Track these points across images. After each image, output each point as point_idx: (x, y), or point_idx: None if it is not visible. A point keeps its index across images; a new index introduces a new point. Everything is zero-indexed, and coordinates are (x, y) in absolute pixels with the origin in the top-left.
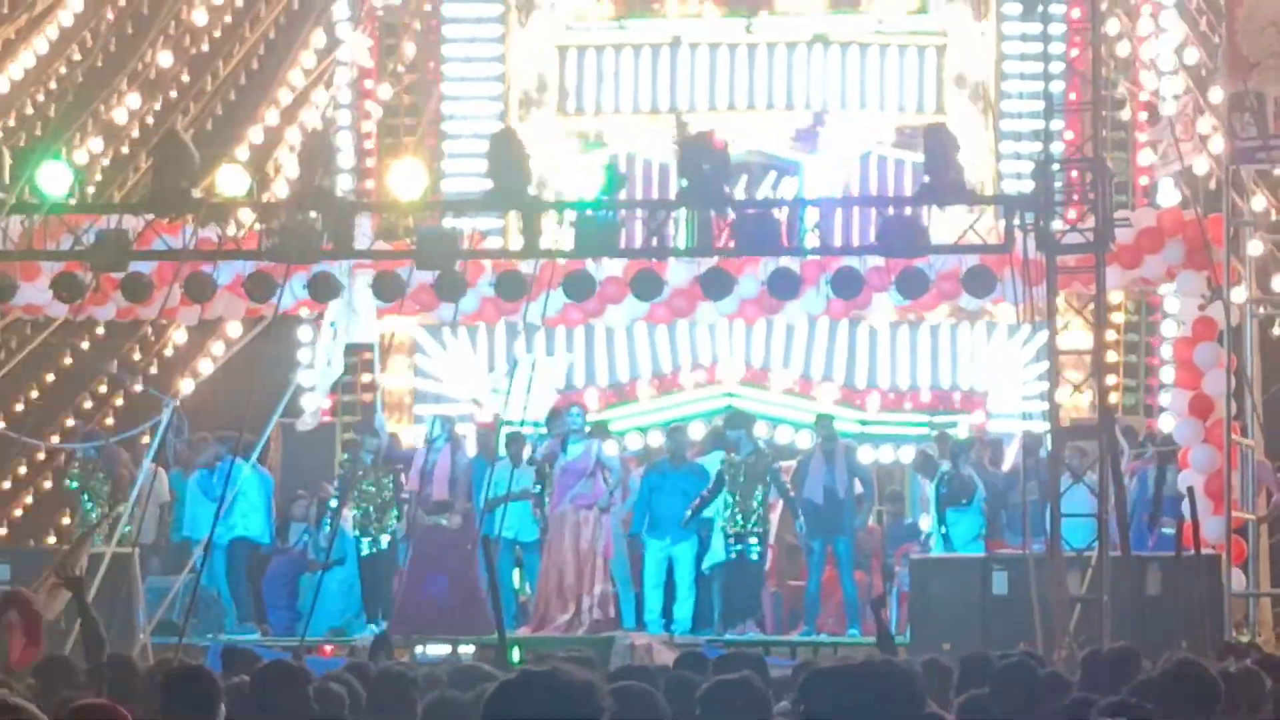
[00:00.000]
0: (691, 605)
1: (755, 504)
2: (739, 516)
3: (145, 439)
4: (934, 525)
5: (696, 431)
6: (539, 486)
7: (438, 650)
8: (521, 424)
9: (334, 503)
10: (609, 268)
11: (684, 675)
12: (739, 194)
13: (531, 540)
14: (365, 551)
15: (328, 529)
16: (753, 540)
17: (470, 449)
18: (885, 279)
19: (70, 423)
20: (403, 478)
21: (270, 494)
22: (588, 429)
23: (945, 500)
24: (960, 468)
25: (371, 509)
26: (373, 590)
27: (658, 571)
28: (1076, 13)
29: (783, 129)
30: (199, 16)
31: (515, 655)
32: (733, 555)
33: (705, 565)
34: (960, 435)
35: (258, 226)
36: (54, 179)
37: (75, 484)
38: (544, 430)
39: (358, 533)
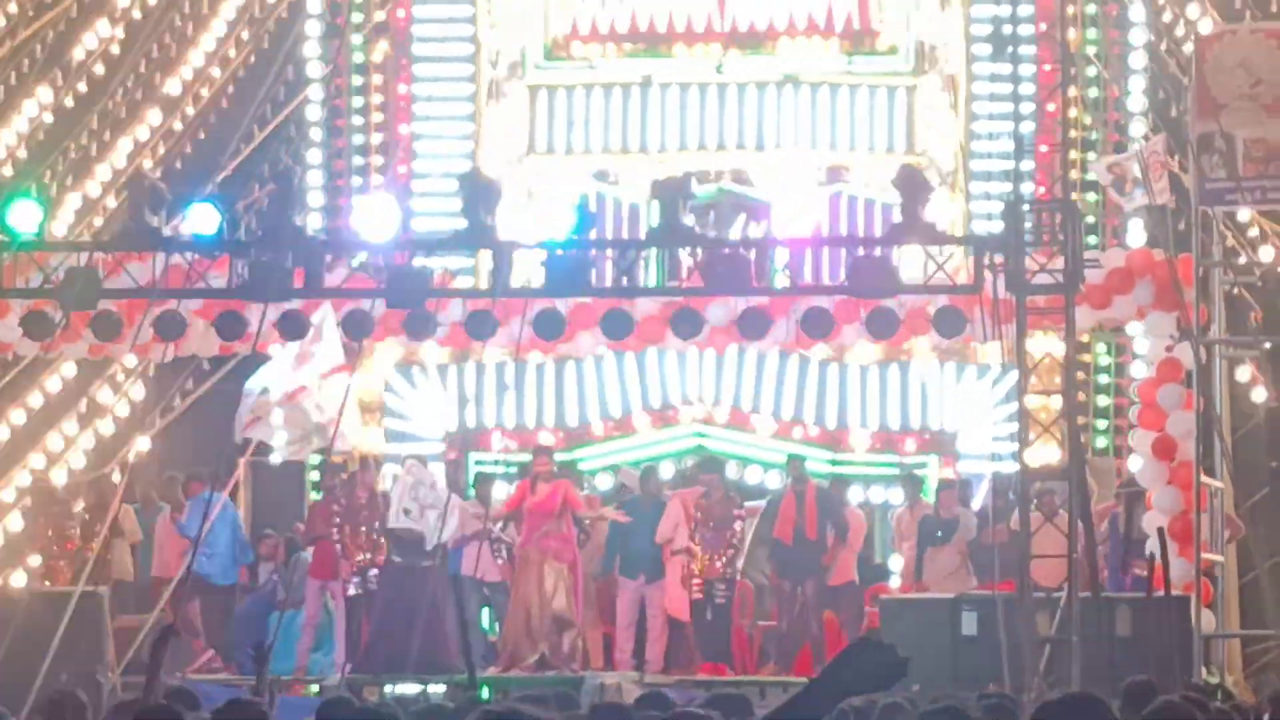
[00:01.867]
0: (664, 645)
1: (724, 548)
2: (708, 560)
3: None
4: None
5: (666, 471)
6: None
7: (407, 689)
8: (495, 463)
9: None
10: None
11: (648, 715)
12: (708, 233)
13: (496, 580)
14: (354, 591)
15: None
16: (721, 585)
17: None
18: (854, 312)
19: (39, 462)
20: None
21: (237, 532)
22: (555, 470)
23: (925, 539)
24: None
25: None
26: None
27: (631, 611)
28: (1046, 54)
29: (753, 168)
30: (169, 55)
31: (485, 694)
32: (696, 597)
33: None
34: (929, 475)
35: (229, 265)
36: (24, 216)
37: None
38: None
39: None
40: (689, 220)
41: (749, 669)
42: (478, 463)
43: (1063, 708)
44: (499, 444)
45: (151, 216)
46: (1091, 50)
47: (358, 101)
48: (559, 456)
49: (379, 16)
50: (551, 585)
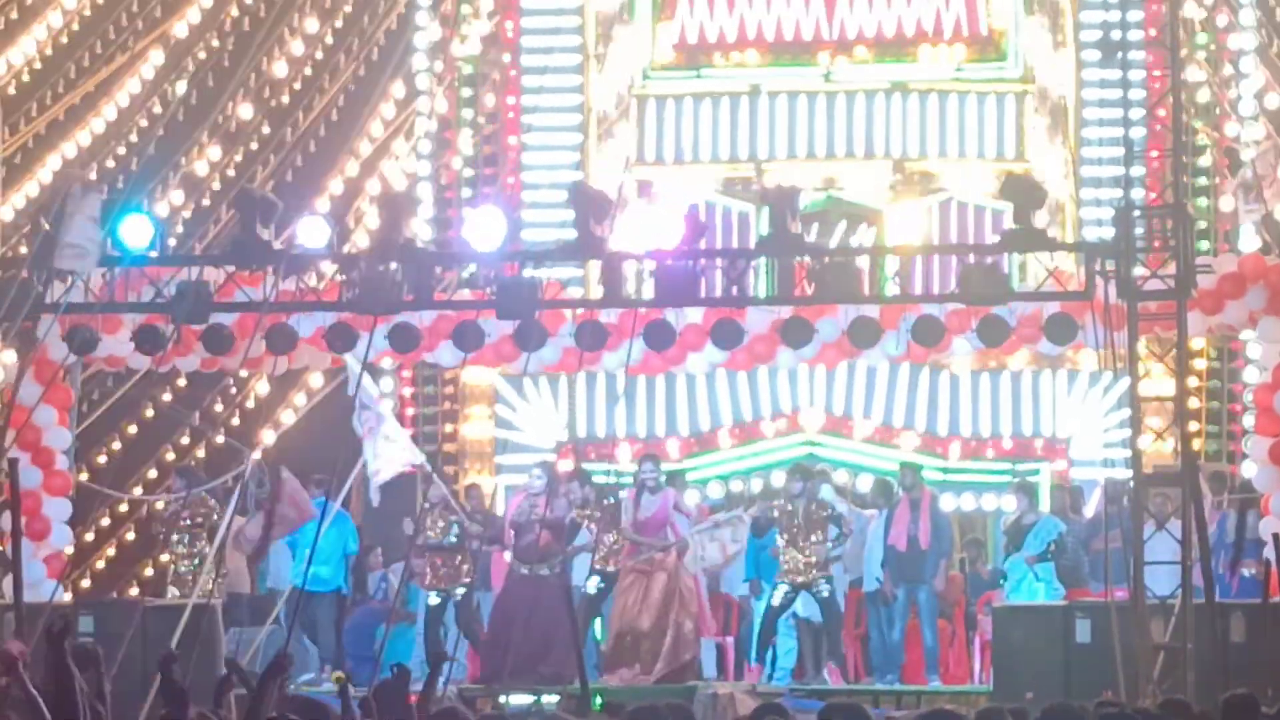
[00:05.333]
0: (795, 654)
1: (813, 552)
2: (802, 565)
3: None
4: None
5: (778, 480)
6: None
7: (521, 700)
8: (608, 474)
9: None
10: (690, 315)
11: None
12: (817, 241)
13: (594, 592)
14: (435, 601)
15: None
16: (822, 583)
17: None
18: (966, 322)
19: (152, 474)
20: (466, 524)
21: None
22: (663, 479)
23: (1008, 547)
24: (1024, 515)
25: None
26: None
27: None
28: (1156, 60)
29: (862, 177)
30: (279, 68)
31: (598, 704)
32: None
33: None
34: (1042, 483)
35: (339, 278)
36: (136, 231)
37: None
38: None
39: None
40: (796, 229)
41: (860, 676)
42: (592, 474)
43: None
44: (600, 455)
45: (262, 230)
46: (1202, 55)
47: (466, 114)
48: (668, 466)
49: (486, 29)
50: (657, 595)
